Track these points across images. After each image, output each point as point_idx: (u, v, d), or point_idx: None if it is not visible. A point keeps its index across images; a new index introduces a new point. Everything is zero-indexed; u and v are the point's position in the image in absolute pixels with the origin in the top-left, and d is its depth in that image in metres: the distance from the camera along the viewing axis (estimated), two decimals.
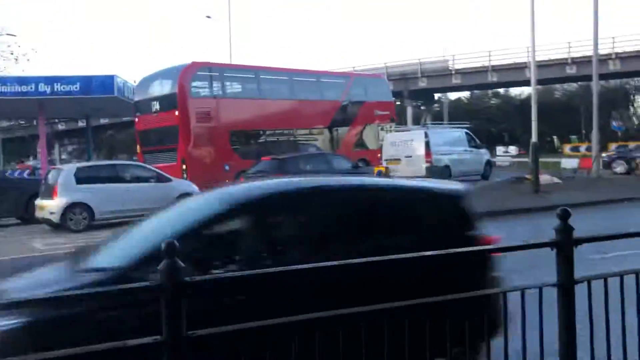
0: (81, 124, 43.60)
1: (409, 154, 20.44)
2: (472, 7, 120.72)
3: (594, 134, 23.29)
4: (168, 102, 20.49)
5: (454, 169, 20.26)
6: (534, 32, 18.86)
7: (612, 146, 42.42)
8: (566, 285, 2.81)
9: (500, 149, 48.59)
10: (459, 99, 69.98)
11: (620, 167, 26.07)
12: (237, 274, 2.60)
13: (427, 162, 19.57)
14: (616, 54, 42.41)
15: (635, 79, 57.85)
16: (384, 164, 20.65)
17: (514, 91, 66.07)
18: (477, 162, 22.72)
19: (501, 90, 67.84)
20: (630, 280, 3.02)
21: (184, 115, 20.07)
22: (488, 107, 71.12)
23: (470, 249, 3.45)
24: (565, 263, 2.79)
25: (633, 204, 15.50)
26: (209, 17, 44.45)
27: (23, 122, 49.52)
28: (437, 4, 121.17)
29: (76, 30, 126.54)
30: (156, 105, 21.06)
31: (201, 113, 20.52)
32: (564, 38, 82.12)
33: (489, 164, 23.83)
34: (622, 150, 34.50)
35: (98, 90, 21.32)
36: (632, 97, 66.84)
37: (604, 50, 36.98)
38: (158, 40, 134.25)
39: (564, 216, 2.77)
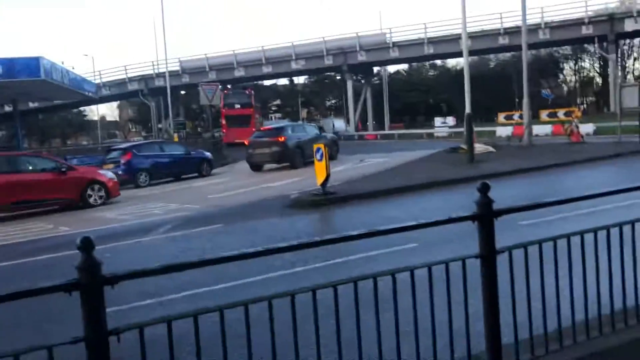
0: (8, 108, 41.56)
1: None
2: None
3: (525, 102, 23.90)
4: None
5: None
6: (465, 3, 19.37)
7: (543, 113, 44.06)
8: (487, 256, 2.92)
9: (438, 120, 49.50)
10: (398, 72, 70.74)
11: None
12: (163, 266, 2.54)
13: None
14: (545, 23, 43.80)
15: (564, 47, 60.06)
16: None
17: (451, 62, 67.40)
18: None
19: (438, 62, 69.05)
20: (547, 247, 3.18)
21: None
22: (426, 78, 72.37)
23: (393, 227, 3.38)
24: (486, 235, 2.90)
25: (562, 170, 16.23)
26: None
27: None
28: None
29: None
30: None
31: None
32: (497, 9, 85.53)
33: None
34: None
35: (23, 73, 20.32)
36: (560, 65, 69.57)
37: (533, 20, 38.19)
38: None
39: (484, 189, 2.86)
